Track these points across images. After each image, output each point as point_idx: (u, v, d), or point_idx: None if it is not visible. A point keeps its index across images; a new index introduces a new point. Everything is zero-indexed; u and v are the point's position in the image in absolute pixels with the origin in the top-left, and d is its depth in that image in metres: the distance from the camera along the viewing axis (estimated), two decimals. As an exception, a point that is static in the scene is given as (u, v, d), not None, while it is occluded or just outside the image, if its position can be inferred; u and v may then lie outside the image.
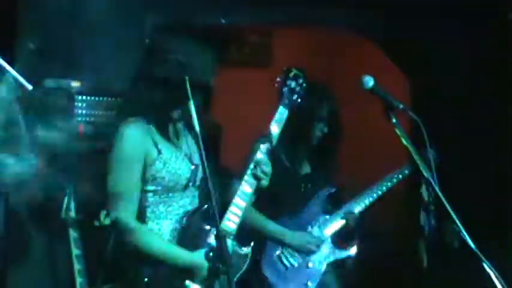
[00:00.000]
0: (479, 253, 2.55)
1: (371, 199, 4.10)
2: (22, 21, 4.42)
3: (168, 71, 2.92)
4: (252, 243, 3.19)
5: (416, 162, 2.75)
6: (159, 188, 3.01)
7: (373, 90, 2.85)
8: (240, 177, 3.18)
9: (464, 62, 5.23)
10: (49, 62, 4.30)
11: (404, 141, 2.80)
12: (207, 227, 3.02)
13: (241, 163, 3.35)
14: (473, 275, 2.63)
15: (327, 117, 4.04)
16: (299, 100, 3.37)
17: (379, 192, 4.11)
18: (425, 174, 2.73)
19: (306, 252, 3.98)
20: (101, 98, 4.31)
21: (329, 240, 4.05)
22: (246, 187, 3.12)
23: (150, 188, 3.01)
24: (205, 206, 3.07)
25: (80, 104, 4.29)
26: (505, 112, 4.96)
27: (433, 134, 2.83)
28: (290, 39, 6.85)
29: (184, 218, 3.03)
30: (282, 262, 3.95)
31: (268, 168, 3.15)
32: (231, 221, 3.07)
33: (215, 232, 2.98)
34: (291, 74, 3.39)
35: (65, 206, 3.84)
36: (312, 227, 4.04)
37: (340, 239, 4.10)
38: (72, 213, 3.85)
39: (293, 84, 3.37)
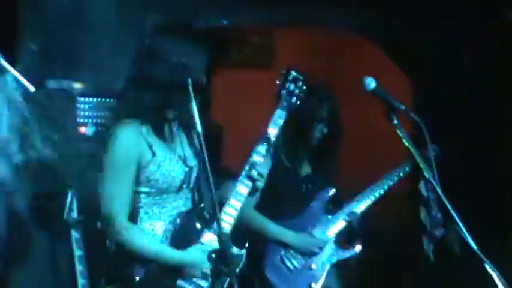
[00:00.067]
0: (481, 254, 2.55)
1: (373, 198, 4.08)
2: (24, 23, 4.42)
3: (171, 73, 2.92)
4: (246, 245, 3.19)
5: (418, 163, 2.76)
6: (153, 189, 3.01)
7: (374, 91, 2.85)
8: (231, 178, 3.18)
9: (464, 62, 5.24)
10: (51, 64, 4.31)
11: (406, 143, 2.80)
12: (199, 227, 3.03)
13: (242, 164, 3.35)
14: (474, 275, 2.64)
15: (327, 117, 4.04)
16: (298, 103, 3.36)
17: (381, 191, 4.09)
18: (427, 175, 2.73)
19: (308, 253, 3.97)
20: (102, 99, 4.32)
21: (332, 240, 4.04)
22: (241, 188, 3.11)
23: (143, 189, 3.01)
24: (201, 206, 3.08)
25: (81, 106, 4.30)
26: (505, 112, 4.97)
27: (433, 134, 2.83)
28: (291, 40, 6.86)
29: (178, 218, 3.03)
30: (284, 264, 3.94)
31: (263, 170, 3.15)
32: (225, 222, 3.05)
33: (208, 232, 3.03)
34: (290, 77, 3.37)
35: (67, 206, 3.84)
36: (314, 228, 4.02)
37: (343, 240, 4.10)
38: (74, 214, 3.86)
39: (292, 86, 3.36)
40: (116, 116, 3.03)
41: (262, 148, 3.19)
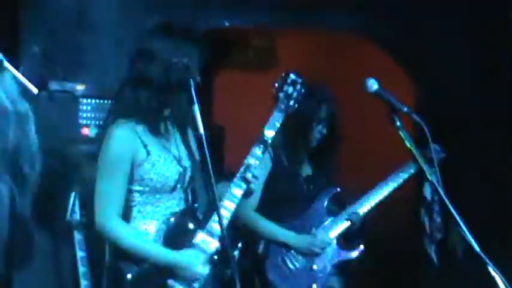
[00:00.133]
0: (484, 256, 2.55)
1: (376, 200, 4.06)
2: (26, 25, 4.43)
3: (171, 73, 2.93)
4: (239, 245, 3.20)
5: (421, 165, 2.76)
6: (147, 188, 3.03)
7: (376, 93, 2.86)
8: (224, 178, 3.18)
9: (464, 62, 5.25)
10: (53, 65, 4.31)
11: (408, 144, 2.80)
12: (192, 227, 3.04)
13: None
14: (475, 276, 2.64)
15: (326, 118, 4.04)
16: (295, 106, 3.37)
17: (385, 194, 4.07)
18: (430, 177, 2.73)
19: (310, 254, 3.97)
20: (104, 101, 4.32)
21: (334, 241, 4.04)
22: (235, 190, 3.12)
23: (137, 188, 3.03)
24: (194, 206, 3.10)
25: (84, 107, 4.30)
26: (505, 112, 4.99)
27: (433, 134, 2.84)
28: (294, 42, 6.86)
29: (172, 218, 3.05)
30: (286, 265, 3.94)
31: (258, 172, 3.15)
32: (218, 223, 3.03)
33: (201, 232, 3.03)
34: (289, 80, 3.38)
35: (69, 208, 3.85)
36: (316, 229, 4.02)
37: (345, 241, 4.09)
38: (77, 216, 3.86)
39: (290, 89, 3.37)
40: (112, 116, 3.05)
41: (258, 150, 3.20)
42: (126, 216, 3.03)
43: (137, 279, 2.96)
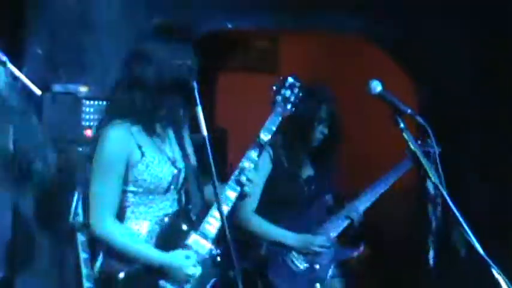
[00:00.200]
0: (487, 258, 2.56)
1: (374, 197, 4.08)
2: (29, 27, 4.43)
3: (179, 76, 2.93)
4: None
5: (425, 167, 2.76)
6: (141, 189, 3.03)
7: (380, 95, 2.86)
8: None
9: (465, 62, 5.26)
10: (57, 67, 4.32)
11: (412, 146, 2.80)
12: (185, 228, 3.04)
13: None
14: (475, 276, 2.65)
15: (327, 118, 4.05)
16: (293, 109, 3.37)
17: (382, 190, 4.09)
18: (433, 179, 2.73)
19: (311, 254, 3.98)
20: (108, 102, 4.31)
21: (335, 240, 4.04)
22: (229, 193, 3.10)
23: (131, 189, 3.03)
24: (188, 207, 3.10)
25: (87, 109, 4.30)
26: (505, 112, 5.00)
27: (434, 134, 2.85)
28: (297, 45, 6.87)
29: (166, 218, 3.05)
30: (288, 265, 3.95)
31: (252, 176, 3.14)
32: (211, 225, 3.05)
33: (194, 234, 3.02)
34: (287, 83, 3.38)
35: (72, 210, 3.84)
36: (316, 229, 4.03)
37: (346, 239, 4.10)
38: (80, 218, 3.85)
39: (288, 93, 3.37)
40: (108, 117, 3.05)
41: (253, 153, 3.19)
42: (119, 216, 3.03)
43: (129, 279, 2.97)
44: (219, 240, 3.04)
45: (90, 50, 4.53)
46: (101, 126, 3.05)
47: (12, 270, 3.91)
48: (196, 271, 2.99)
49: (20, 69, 3.07)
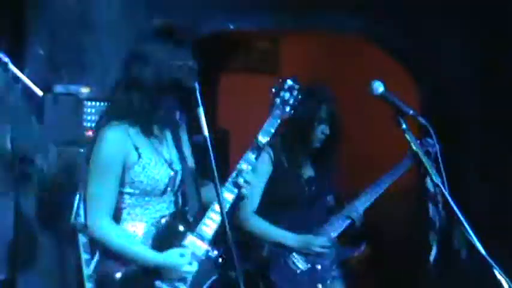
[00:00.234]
0: (489, 259, 2.56)
1: (374, 197, 4.07)
2: (31, 28, 4.43)
3: (180, 77, 2.93)
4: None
5: (426, 167, 2.77)
6: (137, 191, 3.03)
7: (382, 96, 2.86)
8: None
9: (465, 62, 5.26)
10: (58, 68, 4.32)
11: (414, 147, 2.81)
12: (182, 229, 3.04)
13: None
14: (475, 276, 2.65)
15: (327, 118, 4.05)
16: (291, 112, 3.36)
17: (381, 190, 4.08)
18: (435, 180, 2.74)
19: (312, 254, 3.98)
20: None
21: (335, 240, 4.04)
22: (227, 194, 3.09)
23: (128, 190, 3.03)
24: (185, 209, 3.10)
25: (88, 110, 4.31)
26: (506, 112, 5.00)
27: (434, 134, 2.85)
28: (297, 45, 6.87)
29: (163, 219, 3.05)
30: (289, 266, 3.95)
31: (250, 178, 3.14)
32: (208, 227, 3.05)
33: (191, 235, 3.02)
34: (286, 86, 3.37)
35: (74, 211, 3.84)
36: (317, 229, 4.02)
37: (346, 239, 4.10)
38: (81, 219, 3.85)
39: (287, 95, 3.35)
40: (106, 118, 3.04)
41: (251, 155, 3.18)
42: (116, 218, 3.04)
43: (126, 279, 2.97)
44: (220, 241, 3.04)
45: (90, 50, 4.53)
46: (99, 127, 3.05)
47: (14, 271, 3.90)
48: (192, 268, 2.99)
49: (21, 70, 3.07)
